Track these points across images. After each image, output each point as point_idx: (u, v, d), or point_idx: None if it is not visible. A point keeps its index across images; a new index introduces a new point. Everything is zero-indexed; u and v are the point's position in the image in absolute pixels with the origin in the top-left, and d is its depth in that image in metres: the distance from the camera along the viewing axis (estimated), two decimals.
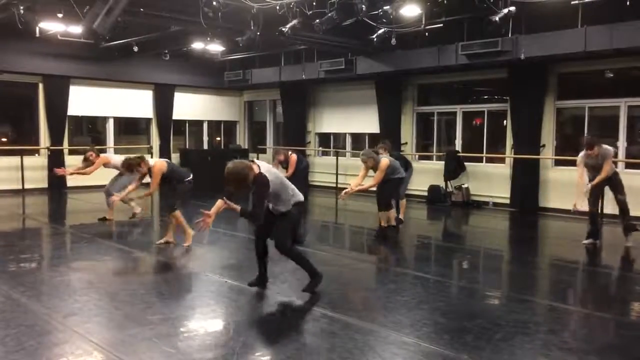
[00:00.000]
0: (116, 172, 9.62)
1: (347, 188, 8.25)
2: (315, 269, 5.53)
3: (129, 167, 7.53)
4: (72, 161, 14.51)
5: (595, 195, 7.90)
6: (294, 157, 10.59)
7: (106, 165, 9.54)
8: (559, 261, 7.68)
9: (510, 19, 9.59)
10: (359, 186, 8.21)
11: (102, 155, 9.79)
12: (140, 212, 9.81)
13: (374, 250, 8.34)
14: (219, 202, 5.26)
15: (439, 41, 11.43)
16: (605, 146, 7.76)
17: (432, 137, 13.81)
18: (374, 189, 8.54)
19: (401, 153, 11.35)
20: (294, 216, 5.45)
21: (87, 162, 9.47)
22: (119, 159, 9.56)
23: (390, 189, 8.53)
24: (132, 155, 7.79)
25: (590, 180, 7.78)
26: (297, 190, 5.47)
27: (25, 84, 14.17)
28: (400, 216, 9.50)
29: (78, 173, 9.73)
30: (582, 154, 7.79)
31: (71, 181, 14.34)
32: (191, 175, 7.78)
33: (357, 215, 11.86)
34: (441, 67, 11.93)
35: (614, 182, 7.82)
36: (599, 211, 7.96)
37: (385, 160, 8.19)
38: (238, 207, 5.08)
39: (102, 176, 14.69)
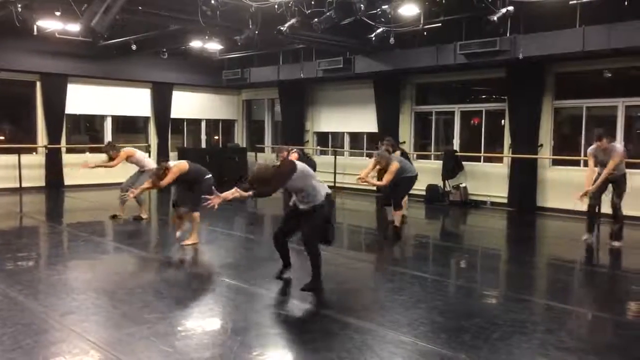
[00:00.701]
0: (136, 168, 9.70)
1: (356, 181, 8.57)
2: (320, 275, 5.52)
3: (158, 177, 7.47)
4: (70, 159, 14.57)
5: (599, 191, 7.93)
6: (294, 156, 10.59)
7: (129, 158, 9.54)
8: (556, 261, 7.69)
9: (508, 18, 9.60)
10: (369, 178, 8.45)
11: (125, 148, 9.76)
12: (146, 219, 9.78)
13: (372, 249, 8.34)
14: (233, 190, 5.38)
15: (438, 40, 11.43)
16: (616, 144, 7.84)
17: (430, 136, 13.82)
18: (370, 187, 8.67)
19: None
20: (324, 211, 5.52)
21: (110, 159, 9.59)
22: (141, 155, 9.62)
23: (402, 189, 8.68)
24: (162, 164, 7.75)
25: (599, 173, 7.81)
26: (323, 184, 5.60)
27: (22, 82, 14.13)
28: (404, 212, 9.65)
29: (103, 166, 9.78)
30: (592, 146, 7.86)
31: (69, 179, 14.36)
32: (210, 174, 7.77)
33: (355, 214, 11.86)
34: (439, 67, 11.93)
35: (618, 183, 7.84)
36: (599, 209, 8.01)
37: (395, 164, 8.29)
38: (249, 193, 5.30)
39: (100, 175, 14.72)
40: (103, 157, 9.94)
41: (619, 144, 7.96)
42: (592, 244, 7.99)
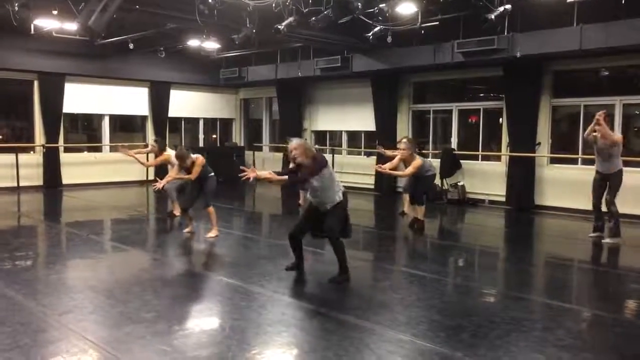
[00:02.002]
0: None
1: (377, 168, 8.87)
2: (347, 266, 5.79)
3: (182, 158, 7.87)
4: (67, 159, 14.56)
5: (598, 190, 8.07)
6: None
7: (168, 162, 9.51)
8: (554, 259, 7.70)
9: (506, 16, 9.59)
10: (391, 170, 8.84)
11: (168, 151, 9.65)
12: (179, 215, 9.68)
13: (370, 247, 8.34)
14: (266, 172, 5.67)
15: (435, 39, 11.43)
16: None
17: (428, 134, 13.82)
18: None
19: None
20: (344, 208, 5.79)
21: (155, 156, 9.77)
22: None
23: (423, 186, 9.08)
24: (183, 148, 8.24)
25: (597, 169, 7.99)
26: (339, 184, 5.85)
27: (20, 82, 14.11)
28: (406, 210, 9.93)
29: (137, 159, 9.94)
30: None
31: (66, 179, 14.34)
32: (213, 173, 8.25)
33: (353, 213, 11.85)
34: (437, 65, 11.93)
35: (613, 179, 7.89)
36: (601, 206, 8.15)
37: (419, 160, 8.75)
38: (284, 178, 5.58)
39: (98, 175, 14.74)
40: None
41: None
42: (597, 242, 8.06)
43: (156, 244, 8.31)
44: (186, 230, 8.33)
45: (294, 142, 5.58)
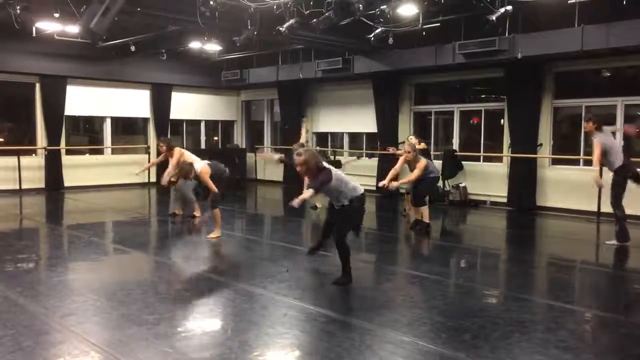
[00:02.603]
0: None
1: (384, 183, 8.44)
2: (350, 270, 5.84)
3: (186, 174, 7.95)
4: (69, 161, 14.58)
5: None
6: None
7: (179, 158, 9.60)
8: (556, 260, 7.69)
9: (507, 18, 9.60)
10: (396, 181, 8.70)
11: (177, 148, 9.70)
12: (199, 217, 9.77)
13: (372, 249, 8.34)
14: (308, 195, 5.66)
15: (436, 40, 11.43)
16: (605, 129, 7.75)
17: (430, 136, 13.81)
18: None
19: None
20: (355, 209, 5.83)
21: (162, 154, 9.92)
22: (189, 155, 9.58)
23: (425, 187, 9.01)
24: (185, 162, 8.31)
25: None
26: (357, 185, 5.90)
27: (22, 84, 14.12)
28: (408, 211, 9.98)
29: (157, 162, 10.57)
30: None
31: (68, 181, 14.37)
32: (227, 170, 8.39)
33: None
34: (438, 67, 11.93)
35: (613, 179, 7.78)
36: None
37: (424, 161, 8.68)
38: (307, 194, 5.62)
39: (100, 177, 14.75)
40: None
41: (602, 134, 7.75)
42: (602, 243, 8.04)
43: (158, 246, 8.32)
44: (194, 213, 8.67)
45: (302, 157, 5.58)
